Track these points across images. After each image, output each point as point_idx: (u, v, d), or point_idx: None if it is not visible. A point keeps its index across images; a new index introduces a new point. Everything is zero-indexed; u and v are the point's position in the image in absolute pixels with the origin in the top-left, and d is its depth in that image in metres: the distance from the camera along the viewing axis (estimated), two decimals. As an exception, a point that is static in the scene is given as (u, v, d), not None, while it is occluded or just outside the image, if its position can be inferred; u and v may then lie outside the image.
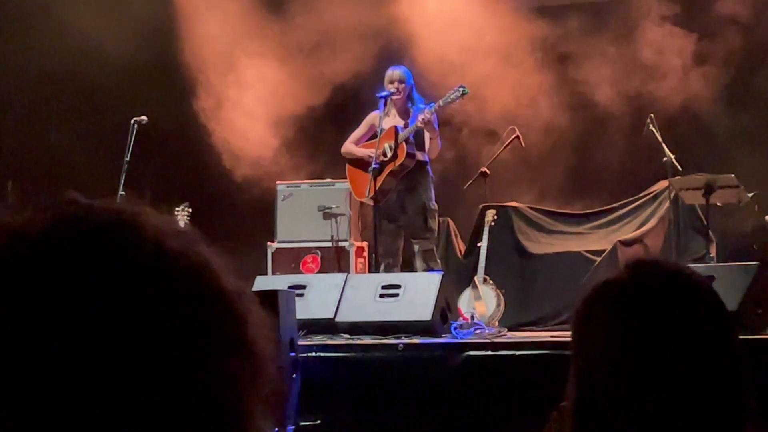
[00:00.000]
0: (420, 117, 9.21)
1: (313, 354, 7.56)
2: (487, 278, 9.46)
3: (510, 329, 8.94)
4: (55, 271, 1.00)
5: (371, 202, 9.36)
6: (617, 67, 10.84)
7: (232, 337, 1.04)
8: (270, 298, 6.90)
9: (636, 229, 10.17)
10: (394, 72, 9.49)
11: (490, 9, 10.86)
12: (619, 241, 9.89)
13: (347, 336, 8.10)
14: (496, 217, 9.87)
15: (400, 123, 9.44)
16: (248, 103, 11.31)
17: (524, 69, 10.83)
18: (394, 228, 9.43)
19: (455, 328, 8.21)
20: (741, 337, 1.84)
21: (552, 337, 7.99)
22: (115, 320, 0.99)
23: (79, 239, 1.01)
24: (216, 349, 1.03)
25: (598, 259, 9.84)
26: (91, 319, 0.98)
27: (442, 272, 8.86)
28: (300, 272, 10.12)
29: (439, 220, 9.72)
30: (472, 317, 8.72)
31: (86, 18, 11.06)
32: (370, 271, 9.87)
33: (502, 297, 9.35)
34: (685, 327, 1.77)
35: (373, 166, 9.21)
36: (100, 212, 1.04)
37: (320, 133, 11.14)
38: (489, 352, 7.46)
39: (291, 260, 10.35)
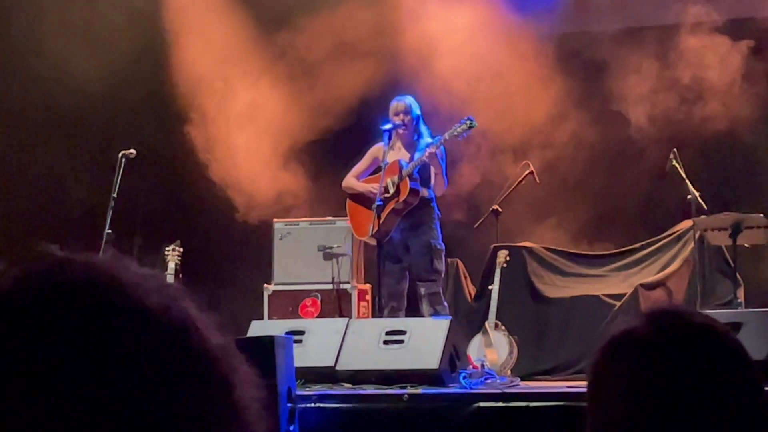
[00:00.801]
0: (426, 151, 9.21)
1: (312, 405, 7.54)
2: (499, 324, 9.45)
3: (523, 379, 8.91)
4: (23, 331, 0.98)
5: (374, 242, 9.35)
6: (645, 93, 10.85)
7: (216, 398, 1.03)
8: (266, 345, 6.89)
9: (658, 272, 10.16)
10: (399, 103, 9.48)
11: (509, 33, 10.95)
12: (641, 284, 9.87)
13: (349, 385, 8.08)
14: (508, 258, 9.88)
15: (406, 157, 9.43)
16: (246, 135, 11.34)
17: (540, 98, 10.89)
18: (399, 269, 9.41)
19: (464, 378, 8.18)
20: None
21: (569, 387, 7.96)
22: (91, 384, 0.98)
23: (51, 297, 1.00)
24: (200, 412, 1.02)
25: (618, 303, 9.82)
26: (64, 385, 0.97)
27: (450, 317, 8.85)
28: (298, 317, 10.10)
29: (447, 261, 9.70)
30: (483, 366, 8.70)
31: (72, 48, 11.11)
32: (373, 316, 9.85)
33: (514, 344, 9.33)
34: (710, 382, 1.76)
35: (377, 203, 9.20)
36: (75, 267, 1.03)
37: (325, 164, 11.15)
38: (500, 404, 7.43)
39: (289, 304, 10.33)
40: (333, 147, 11.20)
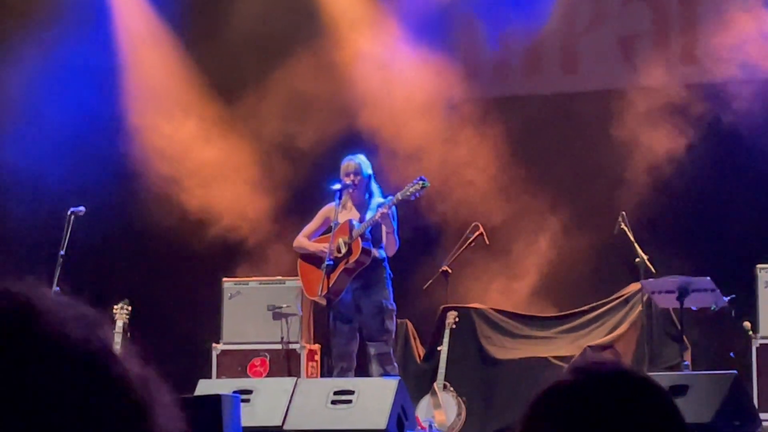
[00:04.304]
0: (378, 211, 9.20)
1: (258, 464, 7.48)
2: (448, 385, 9.44)
3: (471, 440, 8.91)
4: None
5: (324, 302, 9.32)
6: (589, 157, 10.95)
7: (135, 427, 1.04)
8: (213, 403, 6.86)
9: (606, 334, 10.20)
10: (349, 163, 9.45)
11: (457, 95, 11.14)
12: (589, 346, 9.91)
13: (296, 446, 8.04)
14: (457, 320, 9.89)
15: (356, 217, 9.42)
16: (196, 192, 11.35)
17: (490, 161, 10.99)
18: (349, 329, 9.38)
19: (412, 439, 8.17)
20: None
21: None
22: (7, 416, 0.98)
23: None
24: None
25: (567, 365, 9.83)
26: None
27: (399, 377, 8.83)
28: (247, 376, 10.06)
29: (397, 322, 9.69)
30: (431, 426, 8.69)
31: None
32: (322, 376, 9.81)
33: (463, 405, 9.32)
34: (638, 429, 1.78)
35: (327, 262, 9.17)
36: None
37: (276, 223, 11.18)
38: (448, 465, 7.42)
39: (237, 363, 10.29)
40: (284, 206, 11.25)
